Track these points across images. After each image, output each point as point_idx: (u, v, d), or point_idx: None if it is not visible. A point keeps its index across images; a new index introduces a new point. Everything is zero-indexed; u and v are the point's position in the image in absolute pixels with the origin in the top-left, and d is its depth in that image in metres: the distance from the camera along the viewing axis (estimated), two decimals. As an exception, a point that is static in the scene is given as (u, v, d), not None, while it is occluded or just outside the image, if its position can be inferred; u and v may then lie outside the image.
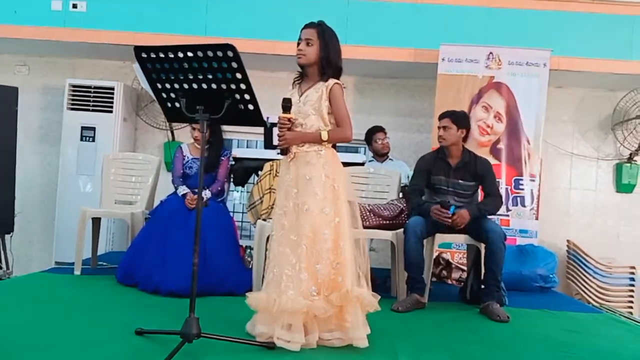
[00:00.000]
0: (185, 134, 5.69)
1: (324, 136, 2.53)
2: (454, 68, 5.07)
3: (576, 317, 3.57)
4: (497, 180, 3.92)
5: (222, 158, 3.96)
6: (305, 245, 2.41)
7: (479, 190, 3.69)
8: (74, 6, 5.32)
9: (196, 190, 3.61)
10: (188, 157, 4.00)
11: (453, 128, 3.56)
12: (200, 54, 2.22)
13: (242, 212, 6.02)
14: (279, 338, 2.31)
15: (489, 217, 3.57)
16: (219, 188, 3.95)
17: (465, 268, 4.33)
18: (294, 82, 2.70)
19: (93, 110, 5.52)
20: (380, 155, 4.92)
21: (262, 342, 2.34)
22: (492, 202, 3.56)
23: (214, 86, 2.30)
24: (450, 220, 3.40)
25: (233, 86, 2.29)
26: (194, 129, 3.90)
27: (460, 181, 3.59)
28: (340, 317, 2.41)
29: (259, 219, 3.74)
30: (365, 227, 3.50)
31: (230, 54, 2.19)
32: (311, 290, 2.39)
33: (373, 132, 4.91)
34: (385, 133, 4.91)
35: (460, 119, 3.61)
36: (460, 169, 3.60)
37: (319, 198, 2.47)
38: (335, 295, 2.38)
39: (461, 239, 3.66)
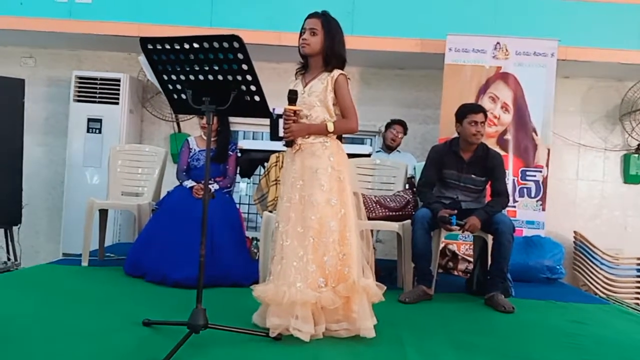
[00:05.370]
0: (192, 126, 5.70)
1: (330, 128, 2.51)
2: (461, 58, 5.03)
3: (583, 308, 3.57)
4: (504, 171, 3.86)
5: (230, 153, 3.96)
6: (312, 237, 2.41)
7: (487, 186, 3.65)
8: (79, -2, 5.31)
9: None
10: (195, 150, 4.00)
11: (485, 124, 3.50)
12: (206, 45, 2.21)
13: (249, 204, 6.03)
14: (294, 328, 2.31)
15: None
16: (229, 185, 3.95)
17: (471, 259, 4.33)
18: (297, 72, 2.68)
19: (99, 102, 5.52)
20: (388, 146, 5.01)
21: (268, 333, 2.35)
22: (499, 202, 3.51)
23: (220, 77, 2.30)
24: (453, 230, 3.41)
25: (239, 77, 2.28)
26: (201, 117, 3.89)
27: (472, 176, 3.54)
28: (347, 308, 2.42)
29: (266, 210, 3.75)
30: (371, 219, 3.49)
31: (236, 45, 2.18)
32: (319, 281, 2.39)
33: (394, 122, 5.07)
34: (404, 130, 5.05)
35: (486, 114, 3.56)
36: (473, 163, 3.53)
37: (325, 189, 2.46)
38: (342, 286, 2.39)
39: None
